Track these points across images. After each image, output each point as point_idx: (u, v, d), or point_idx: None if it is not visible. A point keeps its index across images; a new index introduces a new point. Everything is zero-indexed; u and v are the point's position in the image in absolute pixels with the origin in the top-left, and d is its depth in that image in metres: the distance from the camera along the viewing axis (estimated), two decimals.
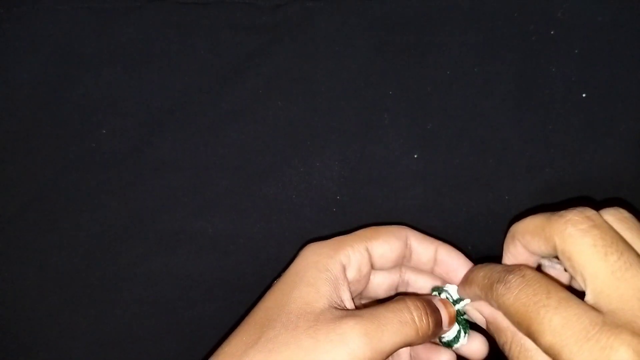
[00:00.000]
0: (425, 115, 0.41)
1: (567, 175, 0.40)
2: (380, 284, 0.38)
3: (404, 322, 0.31)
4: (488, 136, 0.41)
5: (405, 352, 0.37)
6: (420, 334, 0.32)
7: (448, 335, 0.35)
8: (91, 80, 0.42)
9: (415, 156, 0.41)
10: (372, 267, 0.36)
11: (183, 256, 0.41)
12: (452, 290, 0.36)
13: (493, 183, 0.40)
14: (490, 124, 0.41)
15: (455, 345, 0.36)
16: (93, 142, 0.41)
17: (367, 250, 0.35)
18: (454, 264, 0.36)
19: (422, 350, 0.36)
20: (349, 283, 0.35)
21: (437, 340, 0.37)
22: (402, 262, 0.37)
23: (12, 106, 0.42)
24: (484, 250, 0.40)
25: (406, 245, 0.36)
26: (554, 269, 0.34)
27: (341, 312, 0.32)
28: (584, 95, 0.40)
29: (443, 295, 0.36)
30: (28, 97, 0.42)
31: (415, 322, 0.32)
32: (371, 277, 0.37)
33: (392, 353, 0.32)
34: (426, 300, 0.34)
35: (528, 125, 0.40)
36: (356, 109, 0.41)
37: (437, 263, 0.37)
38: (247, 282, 0.41)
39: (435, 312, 0.33)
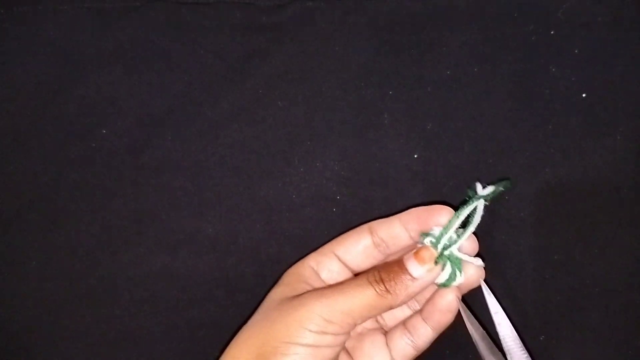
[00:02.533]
0: (425, 115, 0.41)
1: (567, 175, 0.40)
2: None
3: (360, 285, 0.33)
4: (488, 136, 0.41)
5: (418, 320, 0.37)
6: (380, 294, 0.33)
7: (441, 278, 0.35)
8: (91, 80, 0.42)
9: (415, 156, 0.41)
10: (350, 268, 0.37)
11: (183, 256, 0.41)
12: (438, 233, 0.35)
13: (493, 183, 0.40)
14: (490, 124, 0.41)
15: (453, 284, 0.35)
16: (93, 142, 0.41)
17: (334, 252, 0.37)
18: (417, 218, 0.36)
19: (429, 303, 0.36)
20: (324, 282, 0.37)
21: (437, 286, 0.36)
22: (382, 251, 0.37)
23: (12, 106, 0.42)
24: (484, 250, 0.40)
25: (373, 235, 0.37)
26: None
27: (308, 291, 0.35)
28: (584, 95, 0.40)
29: (427, 240, 0.35)
30: (28, 97, 0.42)
31: (370, 285, 0.33)
32: None
33: (357, 315, 0.33)
34: (389, 263, 0.35)
35: (528, 125, 0.40)
36: (356, 109, 0.41)
37: (409, 229, 0.37)
38: (247, 282, 0.41)
39: (395, 271, 0.34)
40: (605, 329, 0.40)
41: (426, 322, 0.36)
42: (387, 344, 0.37)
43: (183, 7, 0.42)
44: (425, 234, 0.35)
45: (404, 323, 0.37)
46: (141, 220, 0.41)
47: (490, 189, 0.36)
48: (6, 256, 0.41)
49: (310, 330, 0.32)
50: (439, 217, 0.36)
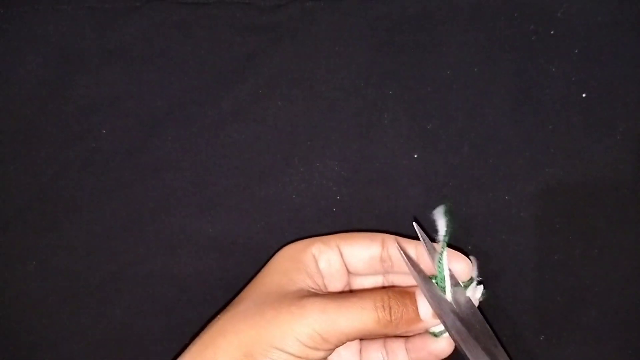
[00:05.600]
0: (425, 115, 0.41)
1: (567, 175, 0.40)
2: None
3: (365, 308, 0.32)
4: (488, 136, 0.41)
5: (399, 345, 0.37)
6: (381, 323, 0.32)
7: (437, 327, 0.34)
8: (91, 80, 0.42)
9: (415, 156, 0.41)
10: (348, 269, 0.36)
11: (183, 256, 0.41)
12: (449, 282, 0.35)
13: (493, 183, 0.40)
14: (490, 124, 0.41)
15: (444, 335, 0.35)
16: (93, 142, 0.41)
17: (338, 247, 0.36)
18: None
19: (419, 338, 0.36)
20: (322, 275, 0.36)
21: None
22: (385, 268, 0.36)
23: (12, 106, 0.42)
24: (484, 250, 0.40)
25: (383, 248, 0.36)
26: None
27: (309, 293, 0.34)
28: (584, 95, 0.40)
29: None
30: (28, 97, 0.42)
31: (375, 311, 0.32)
32: (353, 282, 0.38)
33: (352, 337, 0.32)
34: (401, 292, 0.34)
35: (528, 125, 0.40)
36: (356, 109, 0.41)
37: (421, 262, 0.35)
38: (247, 282, 0.41)
39: (406, 305, 0.33)
40: (605, 329, 0.40)
41: (407, 353, 0.36)
42: (360, 352, 0.37)
43: (183, 7, 0.42)
44: (436, 278, 0.35)
45: (384, 340, 0.37)
46: (141, 220, 0.41)
47: (442, 228, 0.36)
48: (6, 256, 0.41)
49: (305, 345, 0.32)
50: (458, 266, 0.35)
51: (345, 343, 0.33)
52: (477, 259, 0.37)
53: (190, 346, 0.34)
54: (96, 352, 0.41)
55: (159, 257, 0.41)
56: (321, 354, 0.32)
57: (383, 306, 0.32)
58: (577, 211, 0.40)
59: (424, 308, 0.33)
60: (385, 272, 0.37)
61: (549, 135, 0.40)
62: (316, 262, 0.36)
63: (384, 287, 0.38)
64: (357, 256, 0.36)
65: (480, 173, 0.41)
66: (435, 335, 0.35)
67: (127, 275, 0.41)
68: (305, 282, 0.35)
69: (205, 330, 0.34)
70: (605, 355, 0.40)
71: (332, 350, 0.33)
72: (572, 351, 0.40)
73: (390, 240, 0.36)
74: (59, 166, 0.41)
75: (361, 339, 0.37)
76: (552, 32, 0.40)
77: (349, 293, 0.34)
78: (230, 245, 0.41)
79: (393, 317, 0.32)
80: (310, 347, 0.32)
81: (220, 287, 0.41)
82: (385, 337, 0.37)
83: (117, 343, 0.41)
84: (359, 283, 0.38)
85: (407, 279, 0.37)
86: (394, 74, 0.41)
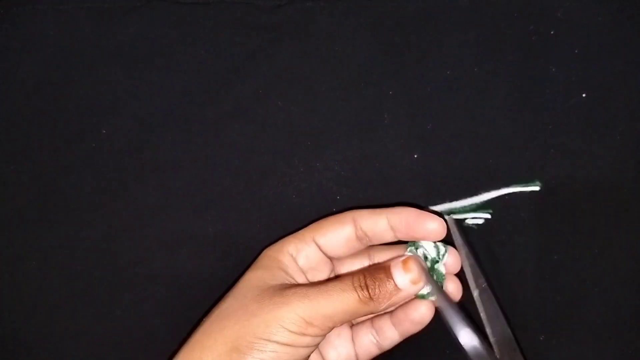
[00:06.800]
0: (425, 115, 0.41)
1: (567, 175, 0.40)
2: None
3: (344, 289, 0.33)
4: (488, 136, 0.41)
5: (386, 322, 0.37)
6: (363, 301, 0.33)
7: (422, 290, 0.35)
8: (91, 80, 0.42)
9: (415, 156, 0.41)
10: (328, 256, 0.37)
11: (183, 256, 0.41)
12: (428, 247, 0.36)
13: (493, 183, 0.40)
14: (490, 124, 0.41)
15: (430, 298, 0.35)
16: (93, 142, 0.41)
17: (314, 240, 0.36)
18: (406, 223, 0.35)
19: (400, 311, 0.36)
20: (303, 271, 0.36)
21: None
22: (364, 244, 0.37)
23: (12, 106, 0.42)
24: (484, 250, 0.40)
25: (356, 227, 0.36)
26: None
27: (290, 285, 0.34)
28: (584, 95, 0.40)
29: (420, 252, 0.35)
30: (28, 97, 0.42)
31: (354, 290, 0.33)
32: (339, 267, 0.38)
33: (337, 319, 0.33)
34: (376, 268, 0.34)
35: (528, 125, 0.40)
36: (356, 109, 0.41)
37: (395, 230, 0.36)
38: None
39: (382, 279, 0.33)
40: (605, 329, 0.40)
41: (394, 327, 0.36)
42: (352, 339, 0.37)
43: (183, 7, 0.42)
44: (414, 244, 0.36)
45: (371, 321, 0.37)
46: (141, 220, 0.41)
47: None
48: (6, 256, 0.41)
49: (290, 331, 0.32)
50: (429, 226, 0.35)
51: (333, 328, 0.33)
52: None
53: (178, 352, 0.34)
54: (96, 352, 0.41)
55: (159, 257, 0.41)
56: (308, 339, 0.32)
57: (361, 285, 0.33)
58: (577, 211, 0.40)
59: (400, 278, 0.34)
60: (366, 247, 0.37)
61: (549, 135, 0.40)
62: (295, 261, 0.36)
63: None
64: (334, 242, 0.36)
65: (480, 173, 0.41)
66: (423, 297, 0.35)
67: (127, 275, 0.41)
68: (288, 279, 0.35)
69: (192, 334, 0.35)
70: (605, 355, 0.40)
71: (320, 336, 0.33)
72: (572, 351, 0.40)
73: (360, 217, 0.36)
74: (59, 166, 0.41)
75: (352, 326, 0.38)
76: (552, 32, 0.40)
77: (330, 279, 0.34)
78: (230, 245, 0.41)
79: (372, 293, 0.33)
80: (295, 333, 0.32)
81: (220, 287, 0.41)
82: (372, 315, 0.37)
83: (117, 343, 0.41)
84: (347, 269, 0.38)
85: (389, 254, 0.37)
86: (394, 74, 0.41)
